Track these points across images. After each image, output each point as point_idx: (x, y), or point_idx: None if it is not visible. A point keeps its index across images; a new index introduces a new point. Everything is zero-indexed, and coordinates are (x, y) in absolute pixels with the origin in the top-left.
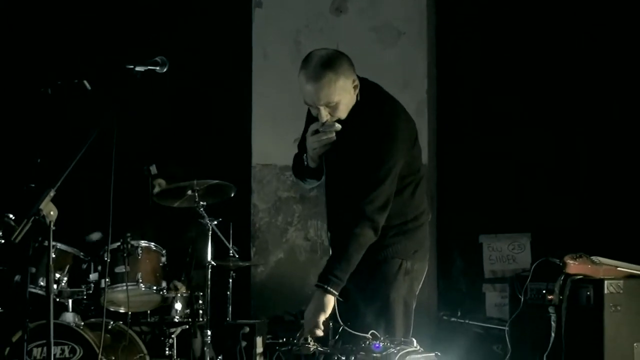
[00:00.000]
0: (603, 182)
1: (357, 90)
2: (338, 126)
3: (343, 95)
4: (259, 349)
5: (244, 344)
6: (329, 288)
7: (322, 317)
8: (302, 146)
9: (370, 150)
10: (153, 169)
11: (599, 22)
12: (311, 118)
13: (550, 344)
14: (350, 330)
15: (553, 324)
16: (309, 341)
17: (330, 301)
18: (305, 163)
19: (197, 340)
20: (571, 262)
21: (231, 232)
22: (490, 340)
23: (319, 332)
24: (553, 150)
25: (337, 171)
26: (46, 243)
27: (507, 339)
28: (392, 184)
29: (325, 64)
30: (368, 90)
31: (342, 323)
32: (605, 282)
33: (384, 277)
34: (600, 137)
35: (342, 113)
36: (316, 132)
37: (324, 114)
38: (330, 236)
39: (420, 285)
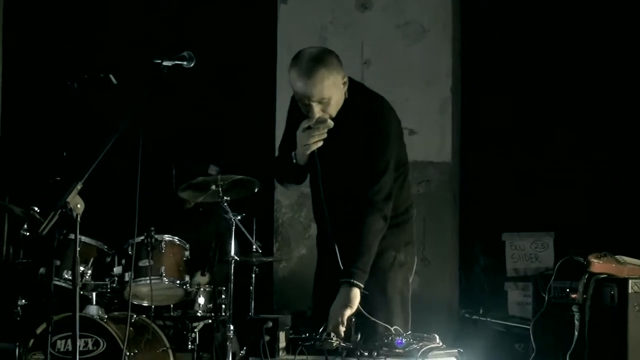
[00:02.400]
0: (628, 181)
1: (346, 88)
2: (330, 122)
3: (334, 91)
4: (282, 343)
5: (267, 338)
6: (354, 281)
7: (349, 312)
8: (284, 147)
9: (368, 144)
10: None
11: (622, 20)
12: (293, 119)
13: (574, 343)
14: (378, 321)
15: (577, 323)
16: (332, 336)
17: (357, 295)
18: (294, 161)
19: (219, 334)
20: (595, 261)
21: (254, 227)
22: (511, 338)
23: (343, 329)
24: (578, 148)
25: (334, 167)
26: (70, 236)
27: (531, 338)
28: (391, 175)
29: (317, 60)
30: (355, 88)
31: (367, 315)
32: (630, 281)
33: (379, 269)
34: (624, 136)
35: (333, 110)
36: (308, 128)
37: (317, 110)
38: (333, 231)
39: (412, 277)
